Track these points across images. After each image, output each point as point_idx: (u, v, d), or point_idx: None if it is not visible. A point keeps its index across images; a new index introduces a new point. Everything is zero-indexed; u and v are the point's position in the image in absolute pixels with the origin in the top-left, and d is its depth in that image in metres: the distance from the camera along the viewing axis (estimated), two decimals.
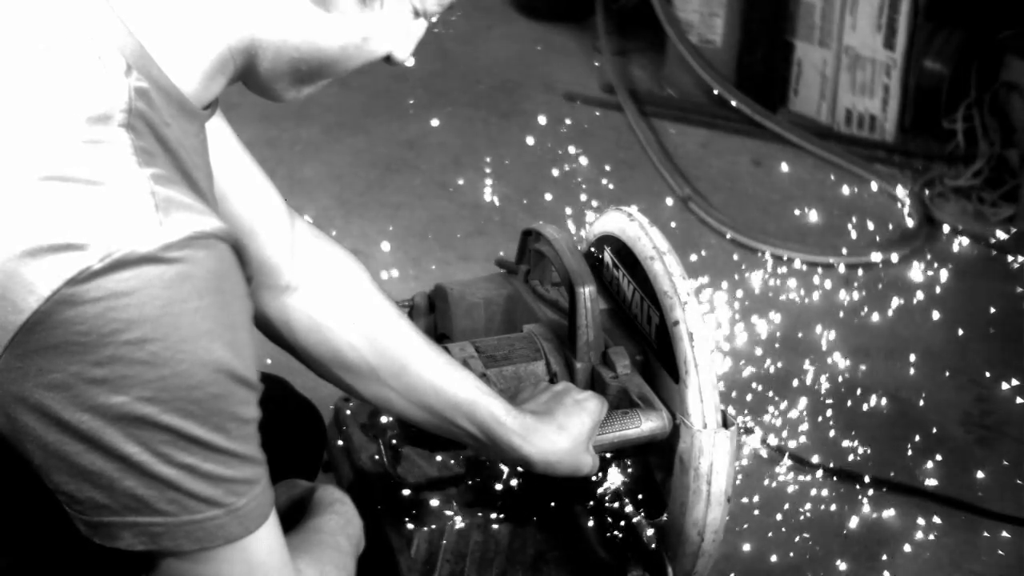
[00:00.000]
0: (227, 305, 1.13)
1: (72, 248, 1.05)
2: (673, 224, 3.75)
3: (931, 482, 2.80)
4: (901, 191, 4.01)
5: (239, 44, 1.23)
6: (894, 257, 3.69)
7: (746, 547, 2.56)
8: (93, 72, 1.13)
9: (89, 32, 1.14)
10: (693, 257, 3.57)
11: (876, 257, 3.67)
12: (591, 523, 1.96)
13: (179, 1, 1.19)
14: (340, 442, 2.23)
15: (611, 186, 3.97)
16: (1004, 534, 2.68)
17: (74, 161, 1.08)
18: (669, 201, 3.96)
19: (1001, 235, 3.79)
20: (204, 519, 1.15)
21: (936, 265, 3.66)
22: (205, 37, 1.21)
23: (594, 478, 1.85)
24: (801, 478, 2.77)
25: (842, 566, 2.57)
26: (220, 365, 1.11)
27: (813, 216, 3.91)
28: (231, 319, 1.14)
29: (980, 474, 2.84)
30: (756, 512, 2.65)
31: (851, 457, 2.84)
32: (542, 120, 4.40)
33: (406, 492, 2.05)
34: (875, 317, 3.39)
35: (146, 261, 1.06)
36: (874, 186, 4.08)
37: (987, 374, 3.16)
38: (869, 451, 2.85)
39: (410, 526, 1.99)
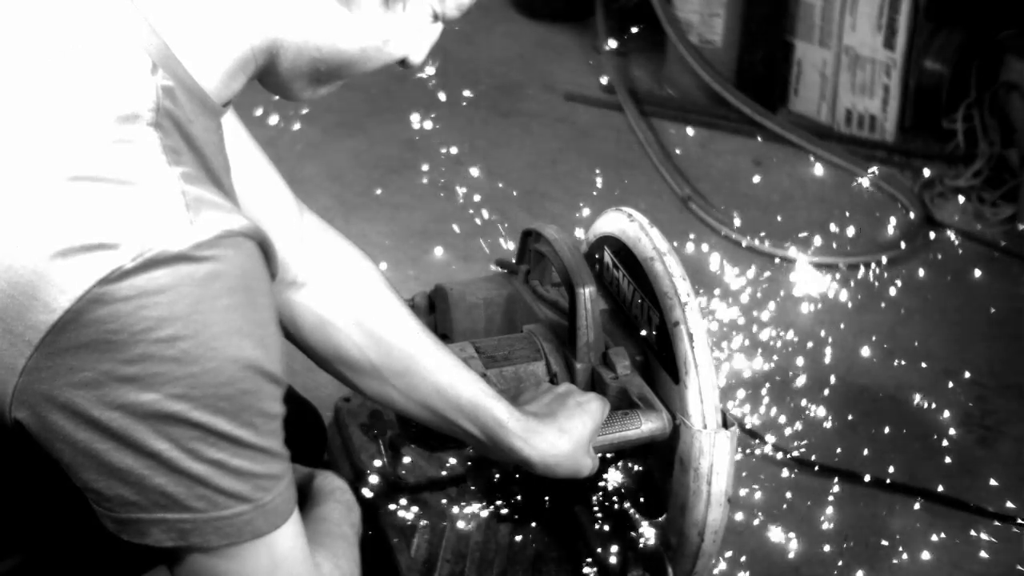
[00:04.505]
0: (255, 302, 1.14)
1: (104, 247, 1.05)
2: (674, 224, 3.75)
3: (931, 482, 2.79)
4: (901, 191, 4.01)
5: (262, 44, 1.24)
6: (894, 257, 3.68)
7: (746, 548, 2.56)
8: (120, 71, 1.13)
9: (114, 32, 1.15)
10: (693, 257, 3.56)
11: (876, 257, 3.66)
12: (591, 523, 1.96)
13: (203, 1, 1.20)
14: (340, 442, 2.23)
15: (611, 186, 3.97)
16: (1004, 534, 2.68)
17: (104, 161, 1.08)
18: (669, 201, 3.96)
19: (1001, 235, 3.79)
20: (232, 515, 1.15)
21: (936, 265, 3.65)
22: (229, 37, 1.22)
23: (594, 478, 1.85)
24: (801, 478, 2.77)
25: (842, 566, 2.57)
26: (249, 362, 1.12)
27: (813, 216, 3.90)
28: (259, 316, 1.15)
29: (980, 474, 2.84)
30: (755, 512, 2.65)
31: (851, 457, 2.84)
32: (542, 120, 4.40)
33: (406, 492, 2.06)
34: (875, 317, 3.39)
35: (178, 260, 1.07)
36: (874, 186, 4.08)
37: (987, 374, 3.16)
38: (869, 451, 2.85)
39: (410, 526, 2.00)
